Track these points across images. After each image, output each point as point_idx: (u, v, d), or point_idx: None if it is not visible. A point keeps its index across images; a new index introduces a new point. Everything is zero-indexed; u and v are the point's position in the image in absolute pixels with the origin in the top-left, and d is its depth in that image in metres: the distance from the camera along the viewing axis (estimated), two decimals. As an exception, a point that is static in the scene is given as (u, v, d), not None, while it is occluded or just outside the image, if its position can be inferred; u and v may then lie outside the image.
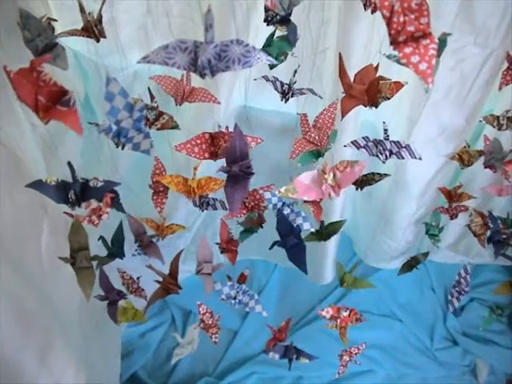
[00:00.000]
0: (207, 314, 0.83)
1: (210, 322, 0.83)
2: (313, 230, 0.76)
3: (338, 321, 0.83)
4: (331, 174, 0.56)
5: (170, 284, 0.74)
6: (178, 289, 0.74)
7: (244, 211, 0.78)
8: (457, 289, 0.90)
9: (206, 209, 0.81)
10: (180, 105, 0.73)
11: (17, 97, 0.45)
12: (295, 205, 0.84)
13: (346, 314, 0.83)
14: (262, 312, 0.79)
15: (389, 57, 0.67)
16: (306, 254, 0.70)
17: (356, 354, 0.90)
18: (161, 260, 0.82)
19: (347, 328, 0.84)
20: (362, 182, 0.82)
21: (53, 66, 0.61)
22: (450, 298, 0.91)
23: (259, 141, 0.61)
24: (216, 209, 0.81)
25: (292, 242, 0.69)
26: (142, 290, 0.83)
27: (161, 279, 0.75)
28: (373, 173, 0.82)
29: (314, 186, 0.56)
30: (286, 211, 0.76)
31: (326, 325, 0.84)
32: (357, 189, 0.82)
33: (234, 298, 0.78)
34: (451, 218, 1.04)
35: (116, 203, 0.71)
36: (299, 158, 0.85)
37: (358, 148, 0.72)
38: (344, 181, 0.56)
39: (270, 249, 0.71)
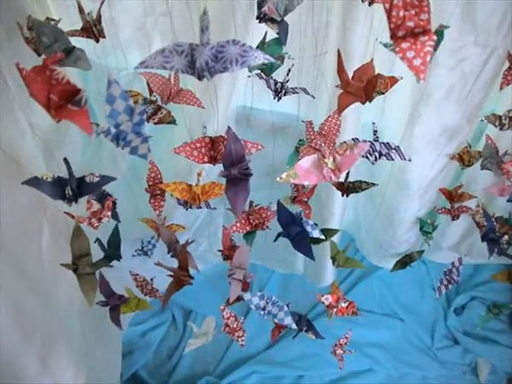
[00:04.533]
0: (231, 318, 0.82)
1: (235, 326, 0.82)
2: (322, 237, 0.74)
3: (335, 310, 0.82)
4: (331, 158, 0.55)
5: (182, 276, 0.73)
6: (191, 279, 0.73)
7: (248, 227, 0.77)
8: (447, 277, 0.90)
9: (191, 207, 0.80)
10: (166, 104, 0.73)
11: (29, 94, 0.45)
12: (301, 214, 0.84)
13: (344, 305, 0.83)
14: (291, 325, 0.75)
15: (385, 45, 0.66)
16: (309, 241, 0.69)
17: (345, 343, 0.90)
18: (195, 268, 0.78)
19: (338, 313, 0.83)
20: (349, 189, 0.81)
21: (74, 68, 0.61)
22: (438, 284, 0.91)
23: (260, 147, 0.60)
24: (200, 208, 0.80)
25: (295, 231, 0.68)
26: (157, 290, 0.82)
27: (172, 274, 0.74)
28: (360, 181, 0.82)
29: (314, 170, 0.55)
30: None
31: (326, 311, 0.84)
32: (342, 195, 0.82)
33: (263, 309, 0.75)
34: (453, 219, 1.04)
35: (112, 211, 0.70)
36: (288, 160, 0.85)
37: None
38: (344, 164, 0.55)
39: (274, 241, 0.70)
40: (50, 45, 0.60)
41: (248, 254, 0.74)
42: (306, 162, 0.55)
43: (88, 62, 0.63)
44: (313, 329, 0.84)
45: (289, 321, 0.76)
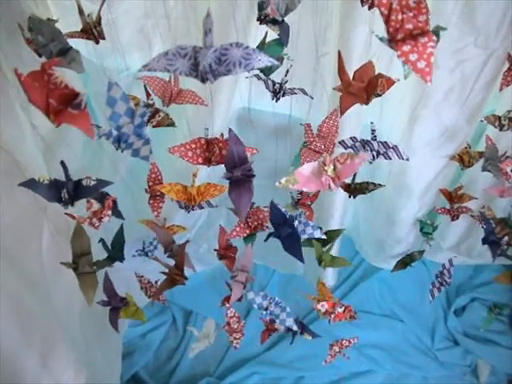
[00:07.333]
0: (234, 318, 0.81)
1: (236, 327, 0.82)
2: (324, 237, 0.74)
3: (332, 316, 0.82)
4: (331, 166, 0.55)
5: (176, 275, 0.73)
6: (184, 279, 0.73)
7: (247, 231, 0.77)
8: (439, 279, 0.90)
9: (193, 209, 0.79)
10: (167, 106, 0.73)
11: (28, 99, 0.45)
12: (302, 215, 0.84)
13: (340, 310, 0.82)
14: (292, 326, 0.76)
15: (381, 39, 0.66)
16: (300, 243, 0.69)
17: (346, 346, 0.90)
18: (192, 268, 0.77)
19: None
20: (356, 190, 0.81)
21: (68, 69, 0.61)
22: (431, 287, 0.91)
23: (255, 151, 0.60)
24: (202, 208, 0.80)
25: (286, 232, 0.68)
26: (161, 293, 0.82)
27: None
28: (367, 182, 0.81)
29: (314, 178, 0.55)
30: (295, 223, 0.74)
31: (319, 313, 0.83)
32: (350, 197, 0.82)
33: (266, 309, 0.75)
34: (452, 220, 1.04)
35: (114, 210, 0.70)
36: (292, 160, 0.85)
37: (345, 148, 0.72)
38: (344, 173, 0.55)
39: (265, 240, 0.69)
40: (46, 44, 0.59)
41: (252, 257, 0.73)
42: (307, 168, 0.55)
43: (81, 65, 0.62)
44: (308, 330, 0.84)
45: (290, 322, 0.75)
